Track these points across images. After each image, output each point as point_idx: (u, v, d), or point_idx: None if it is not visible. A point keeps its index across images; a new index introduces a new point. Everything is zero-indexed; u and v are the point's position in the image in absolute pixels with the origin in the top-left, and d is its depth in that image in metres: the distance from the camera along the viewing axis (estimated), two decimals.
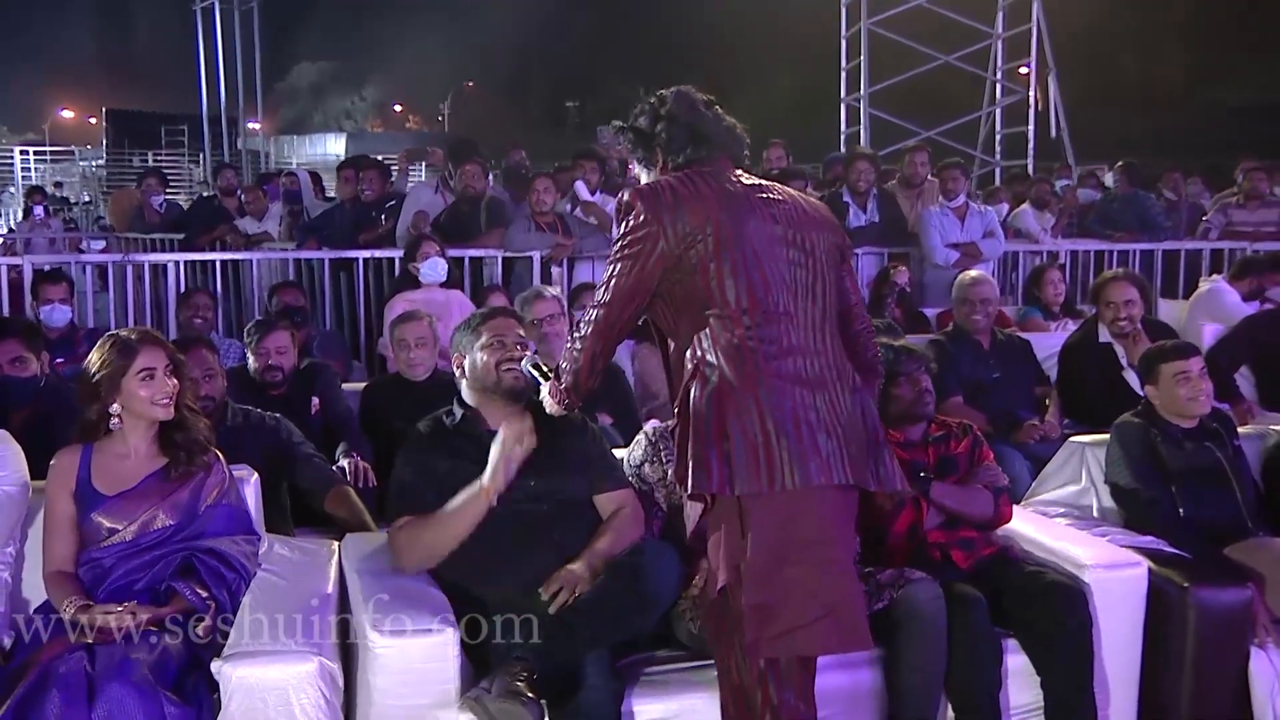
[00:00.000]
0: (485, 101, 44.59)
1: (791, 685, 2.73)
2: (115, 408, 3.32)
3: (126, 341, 3.32)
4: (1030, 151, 15.63)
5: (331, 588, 3.34)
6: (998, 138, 16.19)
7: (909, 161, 8.34)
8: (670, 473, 3.63)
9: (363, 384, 5.36)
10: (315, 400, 4.93)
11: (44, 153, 31.80)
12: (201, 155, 25.32)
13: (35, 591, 3.36)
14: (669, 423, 3.80)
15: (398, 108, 49.28)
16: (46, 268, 6.68)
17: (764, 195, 2.84)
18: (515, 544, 3.30)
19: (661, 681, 3.26)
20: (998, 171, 15.22)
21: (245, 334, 5.03)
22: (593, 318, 2.86)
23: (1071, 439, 4.41)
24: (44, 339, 4.94)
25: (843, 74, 16.49)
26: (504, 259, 7.22)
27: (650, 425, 5.09)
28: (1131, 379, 5.35)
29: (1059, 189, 9.92)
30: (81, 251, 10.48)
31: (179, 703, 2.86)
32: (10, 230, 14.31)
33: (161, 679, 2.88)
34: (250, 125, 27.89)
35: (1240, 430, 4.33)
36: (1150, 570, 3.60)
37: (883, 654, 3.32)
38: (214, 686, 2.91)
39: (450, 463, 3.36)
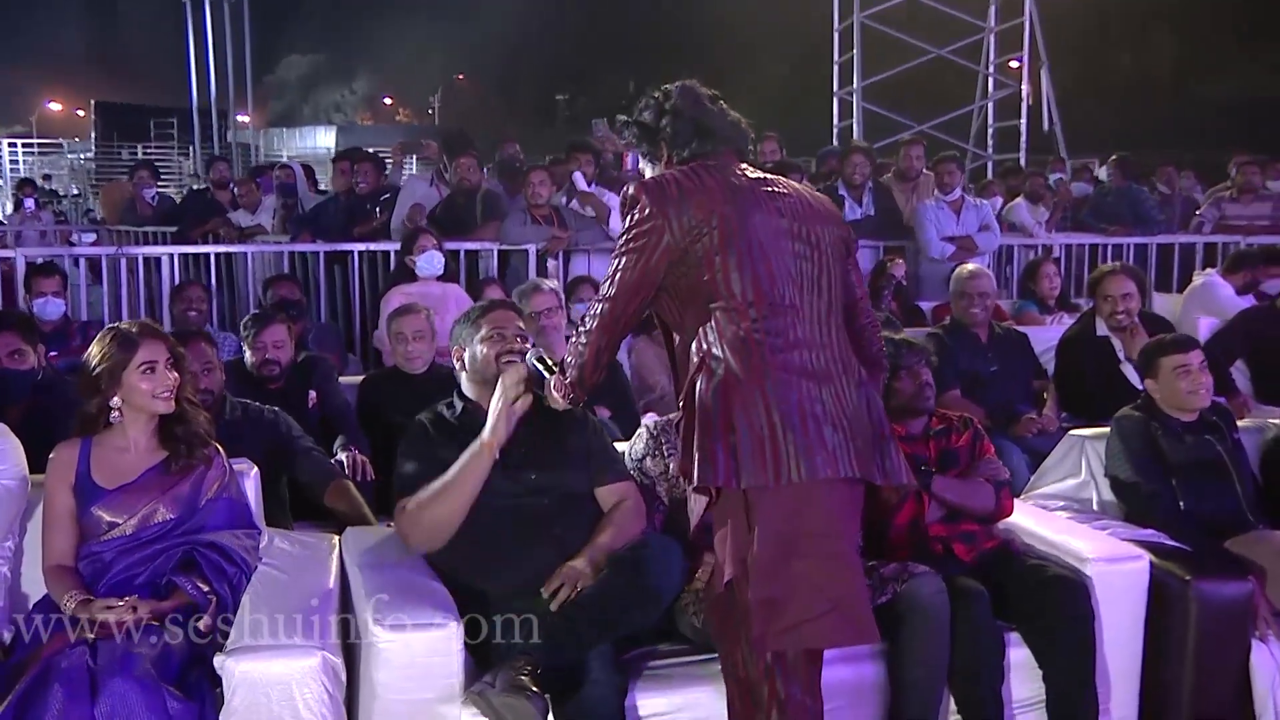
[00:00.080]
0: (475, 95, 44.51)
1: (798, 679, 2.72)
2: (116, 401, 3.30)
3: (127, 334, 3.30)
4: (1022, 145, 15.65)
5: (333, 582, 3.33)
6: (989, 131, 16.22)
7: (905, 155, 8.34)
8: (672, 466, 3.62)
9: (359, 377, 5.34)
10: (312, 394, 4.91)
11: (31, 145, 31.64)
12: (191, 148, 25.21)
13: (35, 586, 3.34)
14: (670, 416, 3.80)
15: (387, 101, 49.14)
16: (40, 260, 6.65)
17: (769, 189, 2.84)
18: (517, 539, 3.29)
19: (665, 676, 3.25)
20: (990, 165, 15.24)
21: (242, 328, 5.01)
22: (598, 312, 2.86)
23: (1071, 432, 4.42)
24: (39, 332, 4.91)
25: (835, 67, 16.49)
26: (499, 252, 7.21)
27: (649, 419, 5.10)
28: (1129, 372, 5.36)
29: (1052, 183, 9.93)
30: (72, 244, 10.46)
31: (182, 698, 2.85)
32: (1, 223, 14.21)
33: (164, 674, 2.87)
34: (239, 118, 27.78)
35: (1239, 424, 4.33)
36: (1152, 563, 3.61)
37: (886, 648, 3.31)
38: (216, 681, 2.90)
39: (455, 453, 3.34)
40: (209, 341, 4.38)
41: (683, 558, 3.23)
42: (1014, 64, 16.85)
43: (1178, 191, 9.91)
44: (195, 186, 14.37)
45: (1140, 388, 5.06)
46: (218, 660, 2.88)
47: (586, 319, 2.89)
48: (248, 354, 4.88)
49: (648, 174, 2.98)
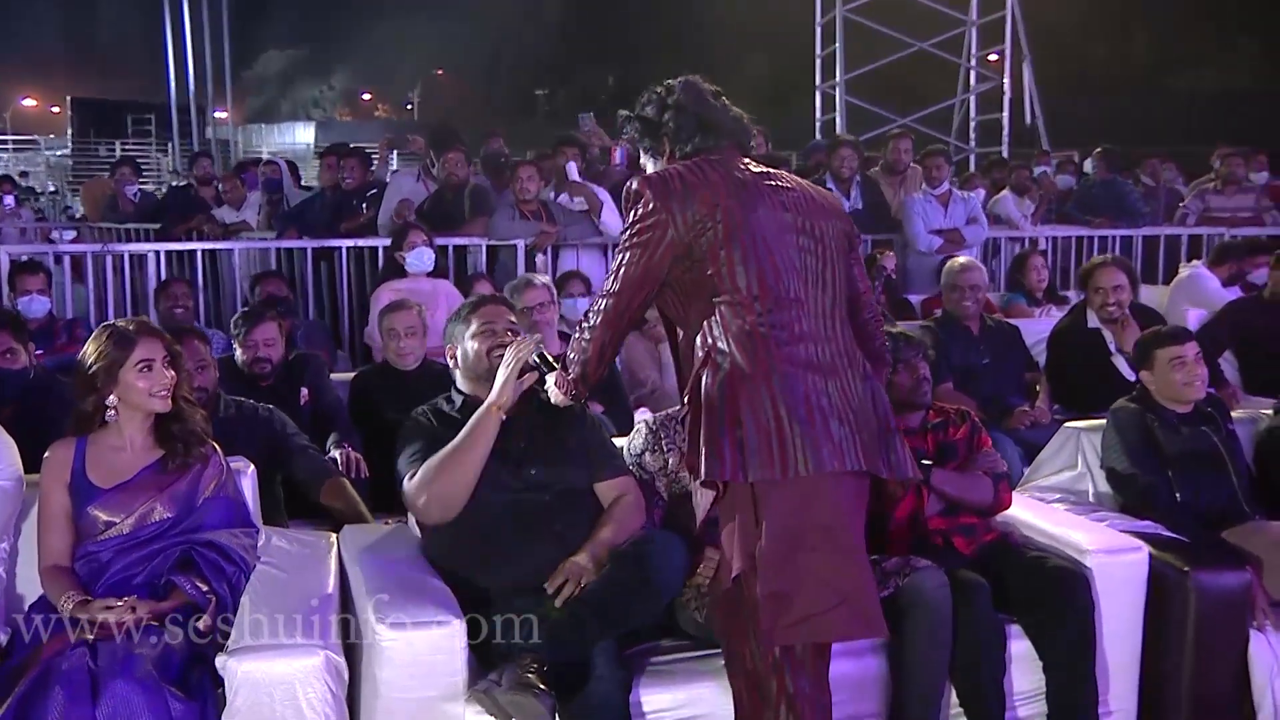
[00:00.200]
0: (455, 90, 44.36)
1: (806, 673, 2.72)
2: (112, 399, 3.27)
3: (124, 332, 3.27)
4: (1005, 138, 15.70)
5: (333, 581, 3.31)
6: (972, 124, 16.26)
7: (893, 148, 8.35)
8: (671, 461, 3.62)
9: (350, 374, 5.32)
10: (304, 391, 4.88)
11: (6, 142, 31.36)
12: (170, 144, 25.03)
13: (30, 587, 3.31)
14: (670, 410, 3.80)
15: (366, 96, 48.93)
16: (24, 258, 6.59)
17: (772, 183, 2.83)
18: (518, 535, 3.27)
19: (668, 671, 3.25)
20: (972, 158, 15.28)
21: (232, 326, 4.98)
22: (601, 307, 2.84)
23: (1067, 425, 4.43)
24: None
25: (818, 61, 16.51)
26: (488, 247, 7.18)
27: (643, 413, 5.09)
28: (1120, 364, 5.39)
29: (1037, 175, 9.96)
30: (52, 242, 10.36)
31: (183, 698, 2.83)
32: None
33: (165, 674, 2.85)
34: (217, 114, 27.61)
35: (1232, 415, 4.36)
36: (1150, 555, 3.61)
37: (888, 641, 3.31)
38: (218, 681, 2.88)
39: None
40: (202, 339, 4.36)
41: (684, 553, 3.22)
42: (993, 57, 16.90)
43: (1162, 184, 9.94)
44: (175, 183, 14.25)
45: (1131, 379, 5.10)
46: (220, 660, 2.86)
47: (590, 314, 2.88)
48: (238, 352, 4.85)
49: (650, 169, 2.97)
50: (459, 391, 3.55)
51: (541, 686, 2.82)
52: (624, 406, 5.05)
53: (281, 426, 4.26)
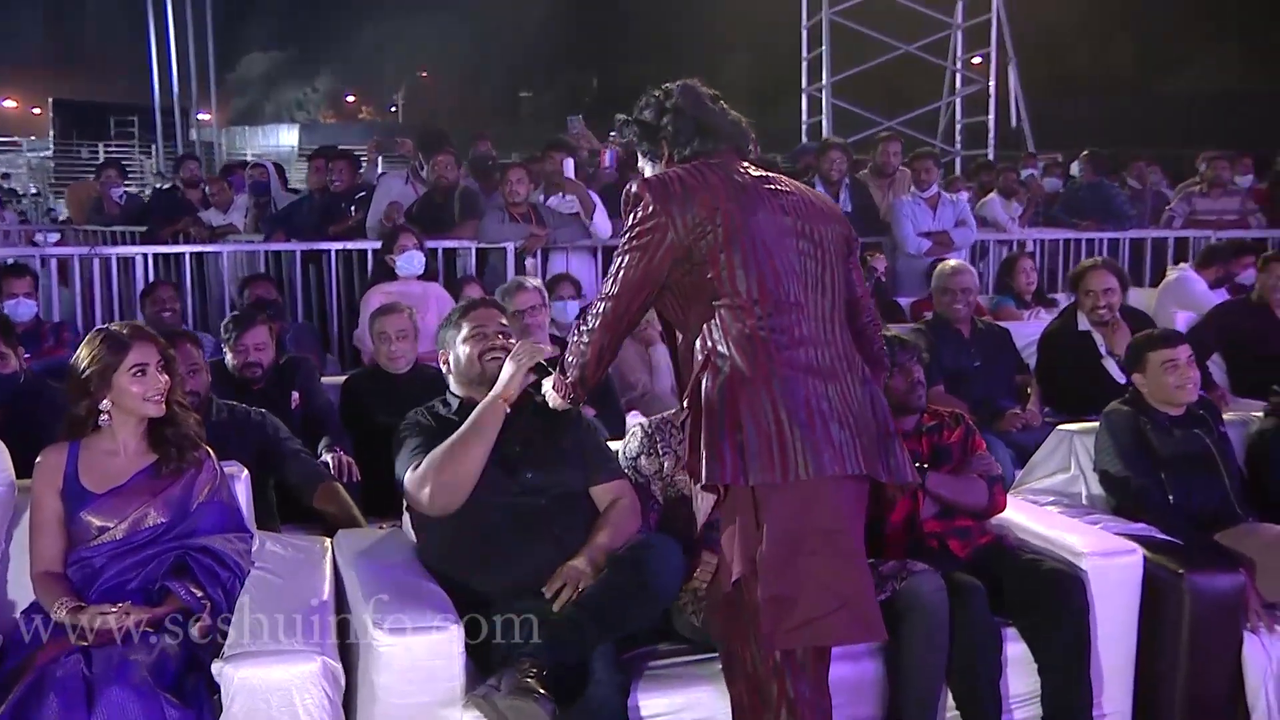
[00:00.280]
0: (439, 92, 44.29)
1: (807, 677, 2.72)
2: (105, 404, 3.24)
3: (118, 337, 3.24)
4: (991, 141, 15.74)
5: (328, 585, 3.30)
6: (958, 127, 16.31)
7: (882, 151, 8.37)
8: (666, 465, 3.62)
9: (341, 378, 5.30)
10: (295, 394, 4.86)
11: None
12: (154, 147, 24.91)
13: (22, 593, 3.28)
14: (665, 414, 3.79)
15: (350, 98, 48.79)
16: (10, 261, 6.55)
17: (771, 187, 2.83)
18: (515, 538, 3.27)
19: (666, 676, 3.25)
20: (958, 161, 15.32)
21: (222, 330, 4.95)
22: (600, 310, 2.84)
23: (1060, 427, 4.44)
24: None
25: (804, 64, 16.53)
26: (477, 250, 7.16)
27: (632, 416, 5.09)
28: (1111, 367, 5.41)
29: (1024, 178, 9.99)
30: (36, 244, 10.29)
31: (179, 705, 2.80)
32: None
33: (161, 681, 2.82)
34: (200, 116, 27.49)
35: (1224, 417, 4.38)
36: (1145, 557, 3.63)
37: (885, 644, 3.31)
38: (214, 688, 2.86)
39: None
40: (195, 343, 4.33)
41: (682, 557, 3.22)
42: (976, 60, 16.95)
43: (1148, 186, 9.99)
44: (159, 185, 14.17)
45: (1122, 381, 5.11)
46: (216, 667, 2.84)
47: (588, 317, 2.88)
48: (229, 356, 4.82)
49: (648, 172, 2.96)
50: (454, 395, 3.54)
51: (541, 691, 2.81)
52: (615, 410, 5.05)
53: (274, 431, 4.24)
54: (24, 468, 3.37)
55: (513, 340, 3.54)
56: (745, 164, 2.88)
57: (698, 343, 2.74)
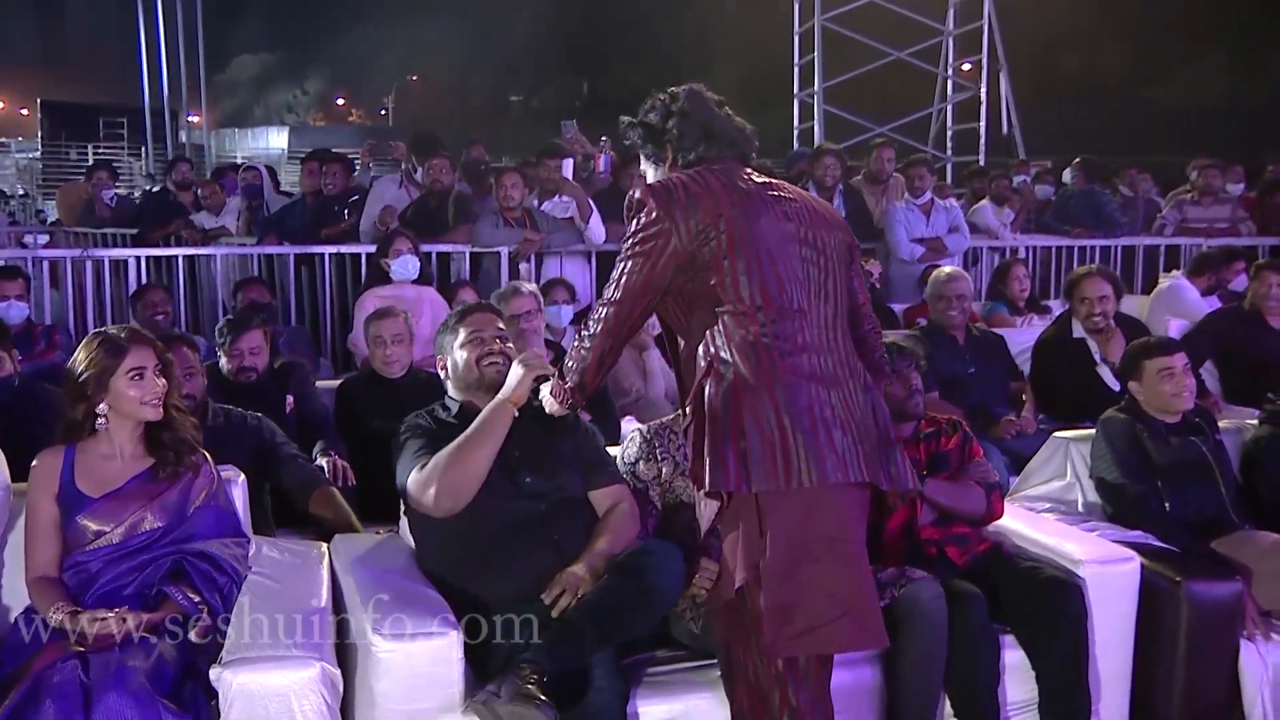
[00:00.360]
0: (429, 95, 44.25)
1: (808, 685, 2.72)
2: (102, 408, 3.23)
3: (116, 340, 3.23)
4: (982, 147, 15.77)
5: (326, 591, 3.29)
6: (949, 134, 16.34)
7: (876, 157, 8.39)
8: (665, 470, 3.61)
9: (334, 381, 5.29)
10: (289, 398, 4.85)
11: None
12: (143, 149, 24.82)
13: (17, 598, 3.26)
14: (664, 419, 3.78)
15: (340, 101, 48.73)
16: (2, 263, 6.52)
17: (775, 193, 2.83)
18: (515, 543, 3.25)
19: (664, 682, 3.25)
20: (949, 167, 15.35)
21: (217, 333, 4.94)
22: (602, 316, 2.83)
23: (1056, 434, 4.45)
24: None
25: (796, 70, 16.55)
26: (471, 254, 7.15)
27: (627, 421, 5.08)
28: (1105, 374, 5.43)
29: (1016, 184, 10.01)
30: (25, 246, 10.24)
31: (177, 711, 2.80)
32: None
33: (158, 687, 2.82)
34: (190, 118, 27.39)
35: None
36: (1142, 565, 3.63)
37: (884, 651, 3.31)
38: (212, 693, 2.85)
39: None
40: (191, 346, 4.32)
41: (682, 563, 3.21)
42: (965, 66, 16.99)
43: (1140, 194, 10.01)
44: (149, 187, 14.11)
45: (1116, 389, 5.12)
46: (214, 672, 2.83)
47: (590, 323, 2.87)
48: (223, 360, 4.81)
49: (650, 176, 2.96)
50: (453, 399, 3.52)
51: (542, 697, 2.80)
52: (611, 416, 5.04)
53: (271, 435, 4.22)
54: (18, 471, 3.35)
55: (510, 345, 3.53)
56: (749, 170, 2.88)
57: (700, 349, 2.74)
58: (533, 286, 5.40)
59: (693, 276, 2.74)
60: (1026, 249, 8.49)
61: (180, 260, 7.26)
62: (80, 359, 3.23)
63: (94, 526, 3.20)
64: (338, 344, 7.14)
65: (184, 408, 3.41)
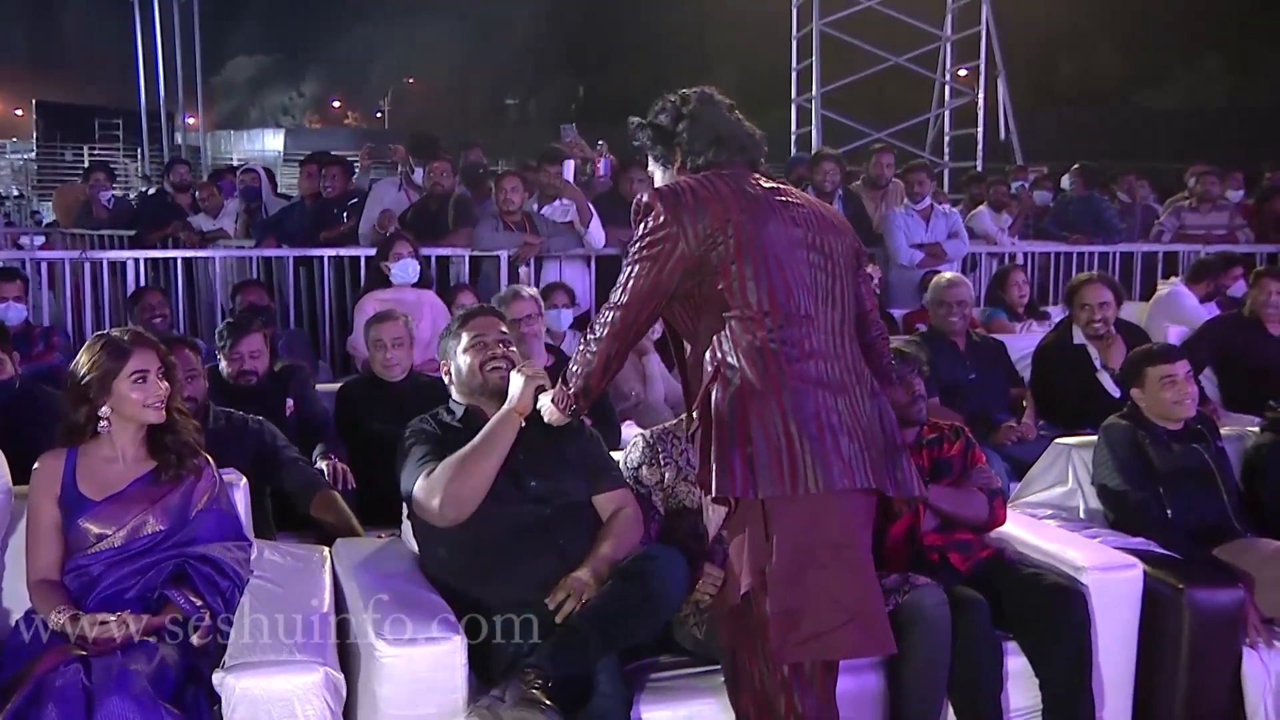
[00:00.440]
0: (426, 98, 44.24)
1: (814, 692, 2.72)
2: (104, 410, 3.21)
3: (119, 343, 3.21)
4: (980, 153, 15.78)
5: (328, 595, 3.27)
6: (946, 139, 16.34)
7: (875, 163, 8.39)
8: (667, 475, 3.60)
9: (334, 385, 5.27)
10: (289, 401, 4.84)
11: None
12: (139, 150, 24.79)
13: (18, 602, 3.25)
14: (667, 424, 3.77)
15: (336, 103, 48.73)
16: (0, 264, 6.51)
17: (783, 198, 2.82)
18: (520, 547, 3.25)
19: (668, 688, 3.24)
20: (946, 173, 15.35)
21: (217, 336, 4.92)
22: (608, 319, 2.82)
23: (1057, 441, 4.44)
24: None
25: (794, 74, 16.56)
26: (470, 258, 7.14)
27: (627, 426, 5.07)
28: (1105, 380, 5.43)
29: (1014, 190, 10.02)
30: (20, 247, 10.21)
31: (179, 715, 2.79)
32: None
33: (160, 691, 2.80)
34: (186, 120, 27.37)
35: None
36: (1145, 572, 3.63)
37: (887, 658, 3.30)
38: (214, 698, 2.83)
39: None
40: (193, 349, 4.30)
41: (686, 569, 3.20)
42: (962, 72, 17.00)
43: (1138, 200, 10.02)
44: (144, 189, 14.07)
45: (1116, 395, 5.13)
46: (217, 677, 2.81)
47: (596, 326, 2.86)
48: (223, 364, 4.80)
49: (658, 178, 2.96)
50: (457, 403, 3.51)
51: (547, 702, 2.79)
52: (611, 421, 5.03)
53: (272, 439, 4.21)
54: (17, 474, 3.34)
55: (514, 348, 3.52)
56: (757, 175, 2.87)
57: (707, 354, 2.73)
58: (533, 290, 5.39)
59: (700, 281, 2.74)
60: (1023, 255, 8.49)
61: (179, 262, 7.23)
62: (83, 361, 3.22)
63: (95, 529, 3.18)
64: (336, 347, 7.12)
65: (186, 410, 3.40)
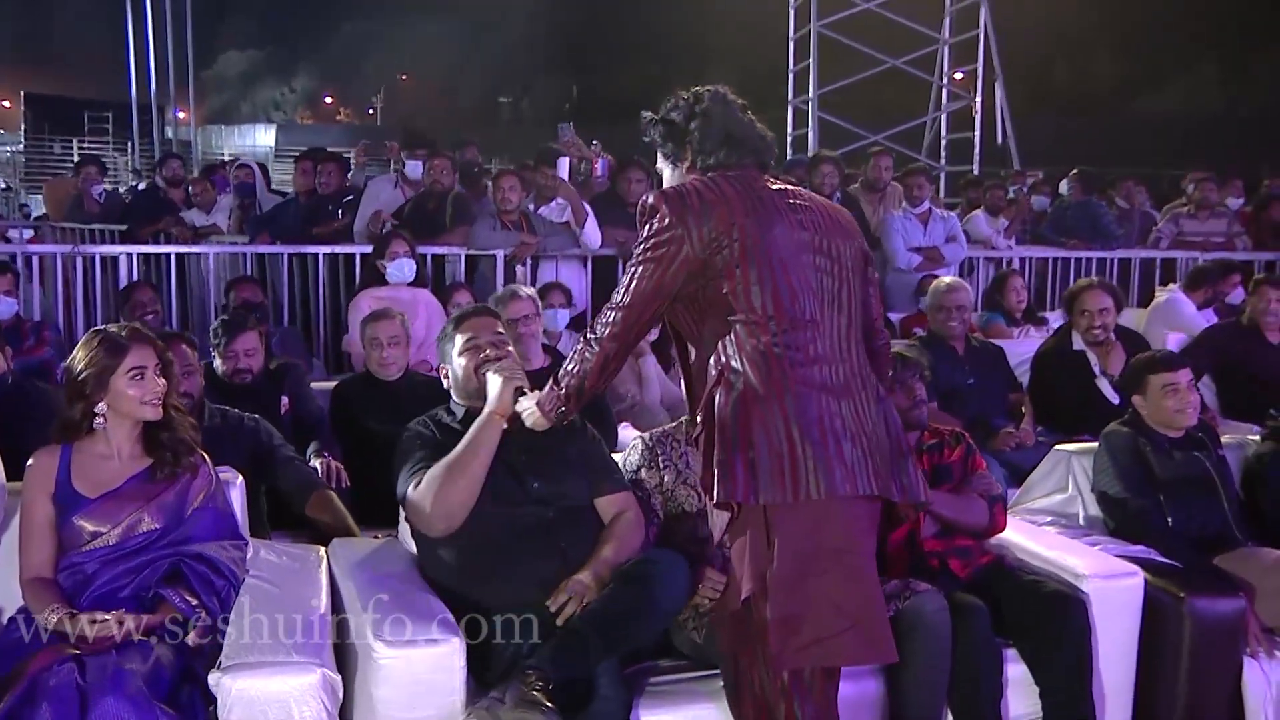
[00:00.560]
0: (419, 95, 44.18)
1: (814, 698, 2.69)
2: (101, 407, 3.18)
3: (116, 339, 3.18)
4: (976, 157, 15.79)
5: (325, 596, 3.25)
6: (943, 143, 16.35)
7: (873, 166, 8.38)
8: (667, 478, 3.58)
9: (329, 383, 5.23)
10: (284, 399, 4.80)
11: None
12: (129, 144, 24.67)
13: (9, 599, 3.20)
14: (666, 427, 3.75)
15: (328, 99, 48.63)
16: None
17: (791, 201, 2.79)
18: (522, 549, 3.22)
19: (667, 692, 3.21)
20: (943, 177, 15.35)
21: (211, 334, 4.88)
22: (611, 320, 2.79)
23: (1058, 447, 4.43)
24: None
25: (790, 76, 16.55)
26: (467, 257, 7.10)
27: (623, 428, 5.04)
28: (1104, 387, 5.42)
29: (1011, 194, 10.01)
30: (9, 241, 10.14)
31: (174, 715, 2.76)
32: None
33: (156, 691, 2.78)
34: (176, 114, 27.25)
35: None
36: (1145, 580, 3.61)
37: (888, 664, 3.28)
38: (209, 698, 2.81)
39: None
40: (190, 344, 4.26)
41: (688, 573, 3.18)
42: (959, 76, 17.01)
43: (1136, 206, 10.02)
44: (135, 183, 14.00)
45: (1115, 402, 5.11)
46: (213, 678, 2.79)
47: (597, 326, 2.82)
48: (218, 362, 4.76)
49: (666, 175, 2.93)
50: (458, 404, 3.48)
51: (548, 704, 2.77)
52: (609, 422, 4.99)
53: (268, 437, 4.18)
54: (9, 470, 3.30)
55: (510, 348, 3.49)
56: (767, 177, 2.84)
57: (711, 359, 2.71)
58: (531, 290, 5.35)
59: (705, 284, 2.71)
60: (1019, 260, 8.48)
61: (171, 258, 7.18)
62: (80, 357, 3.19)
63: (90, 527, 3.15)
64: (330, 345, 7.07)
65: (183, 408, 3.37)
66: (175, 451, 3.25)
